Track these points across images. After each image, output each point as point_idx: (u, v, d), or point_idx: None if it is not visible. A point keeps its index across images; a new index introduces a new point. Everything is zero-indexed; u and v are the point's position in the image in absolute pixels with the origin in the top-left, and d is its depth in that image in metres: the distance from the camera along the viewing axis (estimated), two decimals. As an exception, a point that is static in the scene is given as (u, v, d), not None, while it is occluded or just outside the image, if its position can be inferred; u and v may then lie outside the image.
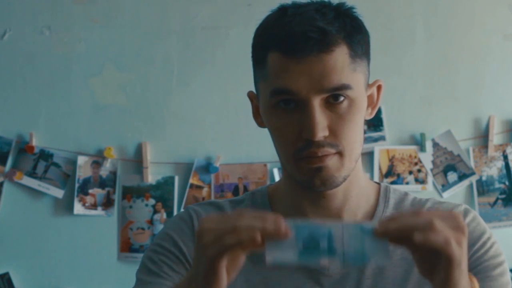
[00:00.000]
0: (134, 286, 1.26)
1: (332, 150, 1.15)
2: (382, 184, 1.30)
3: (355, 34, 1.15)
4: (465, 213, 1.26)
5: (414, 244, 0.96)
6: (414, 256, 1.01)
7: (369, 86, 1.22)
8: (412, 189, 2.86)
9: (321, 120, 1.12)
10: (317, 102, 1.12)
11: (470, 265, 1.19)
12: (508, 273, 1.24)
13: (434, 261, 0.98)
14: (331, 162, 1.15)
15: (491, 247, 1.23)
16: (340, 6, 1.18)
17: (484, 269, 1.20)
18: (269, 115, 1.18)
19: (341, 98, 1.14)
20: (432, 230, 0.95)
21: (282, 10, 1.17)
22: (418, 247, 0.97)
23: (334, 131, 1.14)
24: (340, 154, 1.15)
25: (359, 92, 1.16)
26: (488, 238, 1.24)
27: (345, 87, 1.13)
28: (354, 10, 1.20)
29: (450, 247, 0.95)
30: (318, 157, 1.14)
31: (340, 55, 1.13)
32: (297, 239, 0.94)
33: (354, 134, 1.16)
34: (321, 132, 1.13)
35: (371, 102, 1.23)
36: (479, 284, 1.17)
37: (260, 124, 1.24)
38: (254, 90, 1.25)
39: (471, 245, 1.21)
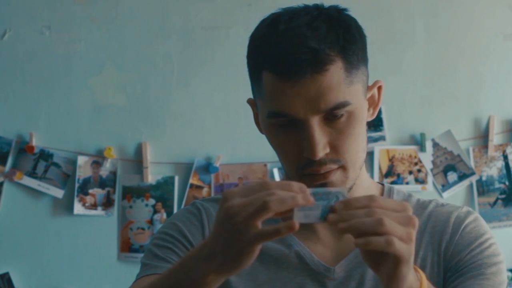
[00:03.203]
0: (139, 272, 1.23)
1: (335, 166, 1.14)
2: (386, 185, 1.30)
3: (349, 46, 1.12)
4: (467, 214, 1.25)
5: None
6: (360, 250, 1.00)
7: (369, 88, 1.20)
8: (412, 189, 2.85)
9: (321, 139, 1.11)
10: (315, 121, 1.11)
11: (465, 263, 1.19)
12: (505, 274, 1.22)
13: (380, 256, 0.97)
14: (335, 177, 1.14)
15: (488, 247, 1.22)
16: (332, 13, 1.15)
17: (478, 267, 1.19)
18: (268, 133, 1.17)
19: (340, 114, 1.12)
20: (376, 232, 0.94)
21: (274, 23, 1.14)
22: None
23: (335, 147, 1.13)
24: (343, 167, 1.15)
25: (358, 104, 1.14)
26: (487, 239, 1.23)
27: (343, 104, 1.11)
28: (347, 13, 1.16)
29: (392, 246, 0.94)
30: (321, 174, 1.13)
31: (335, 71, 1.10)
32: (317, 203, 0.98)
33: (356, 145, 1.15)
34: (322, 151, 1.11)
35: (372, 102, 1.22)
36: (472, 282, 1.17)
37: (262, 131, 1.22)
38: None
39: (467, 244, 1.21)
